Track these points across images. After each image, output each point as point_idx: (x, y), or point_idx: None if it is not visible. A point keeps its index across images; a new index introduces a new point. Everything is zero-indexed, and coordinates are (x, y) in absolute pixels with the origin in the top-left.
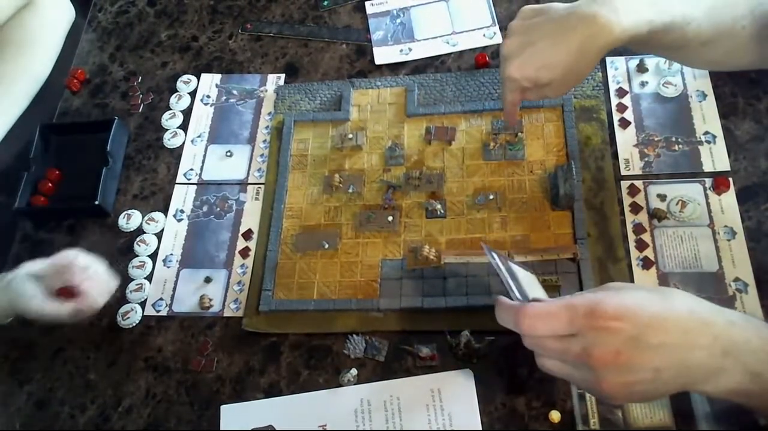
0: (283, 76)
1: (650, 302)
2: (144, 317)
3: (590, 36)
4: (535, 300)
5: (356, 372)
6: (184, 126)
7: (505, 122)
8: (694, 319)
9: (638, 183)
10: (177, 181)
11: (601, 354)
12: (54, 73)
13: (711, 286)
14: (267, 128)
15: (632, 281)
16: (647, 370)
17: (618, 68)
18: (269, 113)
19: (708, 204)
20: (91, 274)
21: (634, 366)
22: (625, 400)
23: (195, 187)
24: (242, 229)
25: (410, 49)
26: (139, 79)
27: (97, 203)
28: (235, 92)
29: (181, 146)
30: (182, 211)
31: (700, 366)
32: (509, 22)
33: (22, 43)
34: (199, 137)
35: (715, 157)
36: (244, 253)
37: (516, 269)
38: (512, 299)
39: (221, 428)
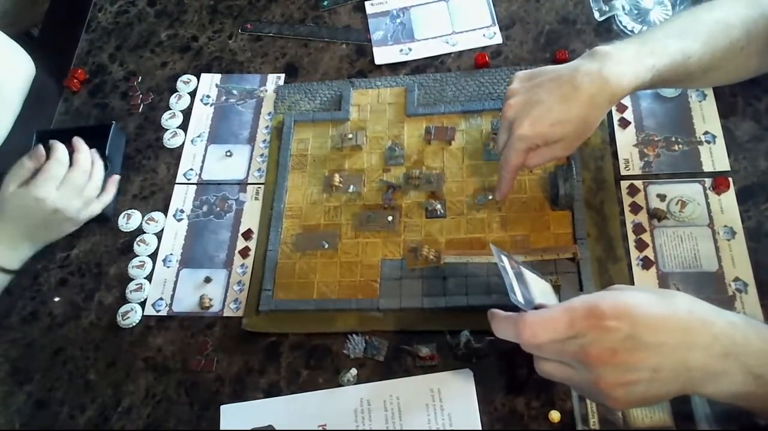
0: (283, 76)
1: (649, 302)
2: (144, 317)
3: (599, 90)
4: (539, 306)
5: (356, 371)
6: (183, 126)
7: (497, 193)
8: (694, 319)
9: (638, 183)
10: (177, 181)
11: (598, 353)
12: (54, 73)
13: (711, 286)
14: (267, 127)
15: (632, 281)
16: (645, 369)
17: None
18: (269, 113)
19: (708, 204)
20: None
21: (631, 364)
22: (624, 402)
23: (195, 187)
24: (242, 229)
25: (410, 49)
26: (139, 79)
27: None
28: (235, 92)
29: (181, 146)
30: (182, 211)
31: (699, 366)
32: (509, 88)
33: None
34: (198, 136)
35: (715, 157)
36: (244, 253)
37: (527, 274)
38: (512, 303)
39: (221, 428)
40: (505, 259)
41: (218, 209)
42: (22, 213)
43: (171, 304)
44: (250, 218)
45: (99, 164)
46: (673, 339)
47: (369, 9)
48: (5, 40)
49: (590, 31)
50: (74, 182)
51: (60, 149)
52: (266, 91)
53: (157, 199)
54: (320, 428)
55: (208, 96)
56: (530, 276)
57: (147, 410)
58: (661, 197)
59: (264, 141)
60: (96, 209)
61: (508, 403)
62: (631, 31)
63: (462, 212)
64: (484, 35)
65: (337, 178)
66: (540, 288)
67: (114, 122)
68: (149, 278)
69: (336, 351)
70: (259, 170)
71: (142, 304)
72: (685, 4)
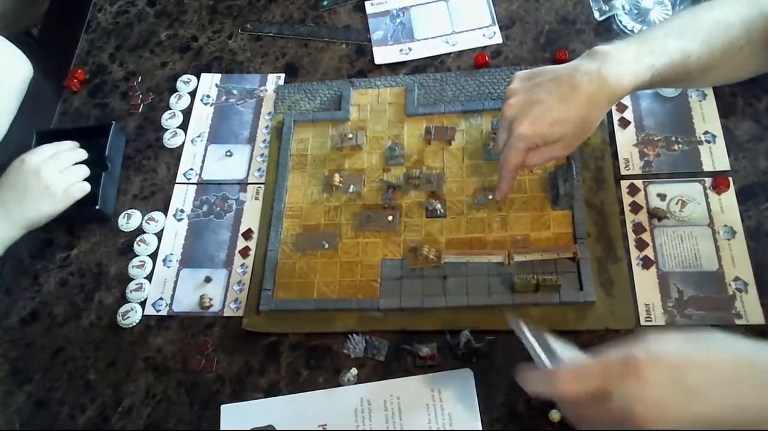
0: (283, 76)
1: (686, 345)
2: (144, 316)
3: (598, 90)
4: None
5: (356, 371)
6: (183, 126)
7: (497, 192)
8: (738, 359)
9: (638, 183)
10: (177, 181)
11: (643, 410)
12: (54, 73)
13: (711, 285)
14: (267, 127)
15: (632, 280)
16: (697, 422)
17: None
18: (269, 113)
19: (708, 204)
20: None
21: (679, 417)
22: None
23: (195, 187)
24: (242, 229)
25: (410, 49)
26: (139, 79)
27: (97, 207)
28: (234, 92)
29: (181, 146)
30: (182, 211)
31: (751, 407)
32: (508, 87)
33: None
34: (198, 136)
35: (715, 156)
36: (244, 253)
37: (547, 335)
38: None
39: (221, 428)
40: (525, 328)
41: (218, 208)
42: (4, 179)
43: (171, 304)
44: (250, 218)
45: (85, 167)
46: (720, 383)
47: (369, 9)
48: (1, 41)
49: (590, 30)
50: (60, 158)
51: (66, 141)
52: (266, 91)
53: (157, 199)
54: (320, 428)
55: (208, 96)
56: (549, 337)
57: (147, 410)
58: (661, 197)
59: (264, 141)
60: (74, 193)
61: (508, 403)
62: (631, 31)
63: (462, 211)
64: (483, 35)
65: (337, 178)
66: (560, 344)
67: (114, 122)
68: (149, 278)
69: (336, 350)
70: (259, 169)
71: (143, 304)
72: (684, 3)
